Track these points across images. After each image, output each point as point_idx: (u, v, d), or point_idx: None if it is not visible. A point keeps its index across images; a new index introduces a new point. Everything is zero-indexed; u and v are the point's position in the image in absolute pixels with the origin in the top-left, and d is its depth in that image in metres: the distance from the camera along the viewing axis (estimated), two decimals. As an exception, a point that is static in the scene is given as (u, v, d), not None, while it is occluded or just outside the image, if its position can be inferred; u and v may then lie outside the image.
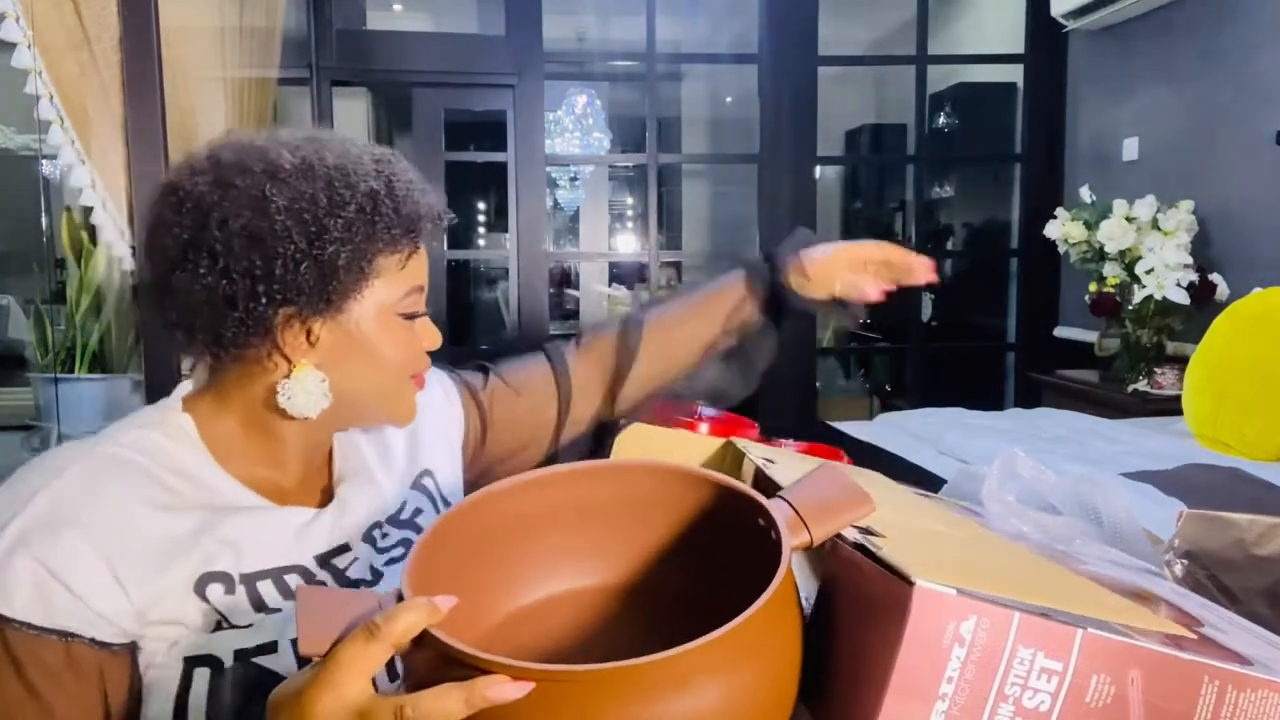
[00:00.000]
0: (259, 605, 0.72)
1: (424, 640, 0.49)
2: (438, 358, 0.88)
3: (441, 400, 0.97)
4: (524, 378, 1.03)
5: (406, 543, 0.85)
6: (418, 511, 0.88)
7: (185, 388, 0.81)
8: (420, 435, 0.92)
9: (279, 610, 0.73)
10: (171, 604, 0.69)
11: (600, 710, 0.43)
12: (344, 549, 0.79)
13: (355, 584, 0.79)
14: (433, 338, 0.83)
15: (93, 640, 0.66)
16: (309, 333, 0.74)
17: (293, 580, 0.75)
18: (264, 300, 0.71)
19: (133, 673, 0.69)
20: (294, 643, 0.71)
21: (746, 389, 1.10)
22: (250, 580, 0.73)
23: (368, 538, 0.82)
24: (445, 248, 3.81)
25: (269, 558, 0.74)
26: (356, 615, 0.50)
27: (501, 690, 0.44)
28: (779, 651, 0.47)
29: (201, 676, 0.69)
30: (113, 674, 0.68)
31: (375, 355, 0.77)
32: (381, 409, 0.82)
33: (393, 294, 0.77)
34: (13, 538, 0.65)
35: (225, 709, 0.69)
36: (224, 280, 0.70)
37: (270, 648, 0.71)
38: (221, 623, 0.71)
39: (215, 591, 0.71)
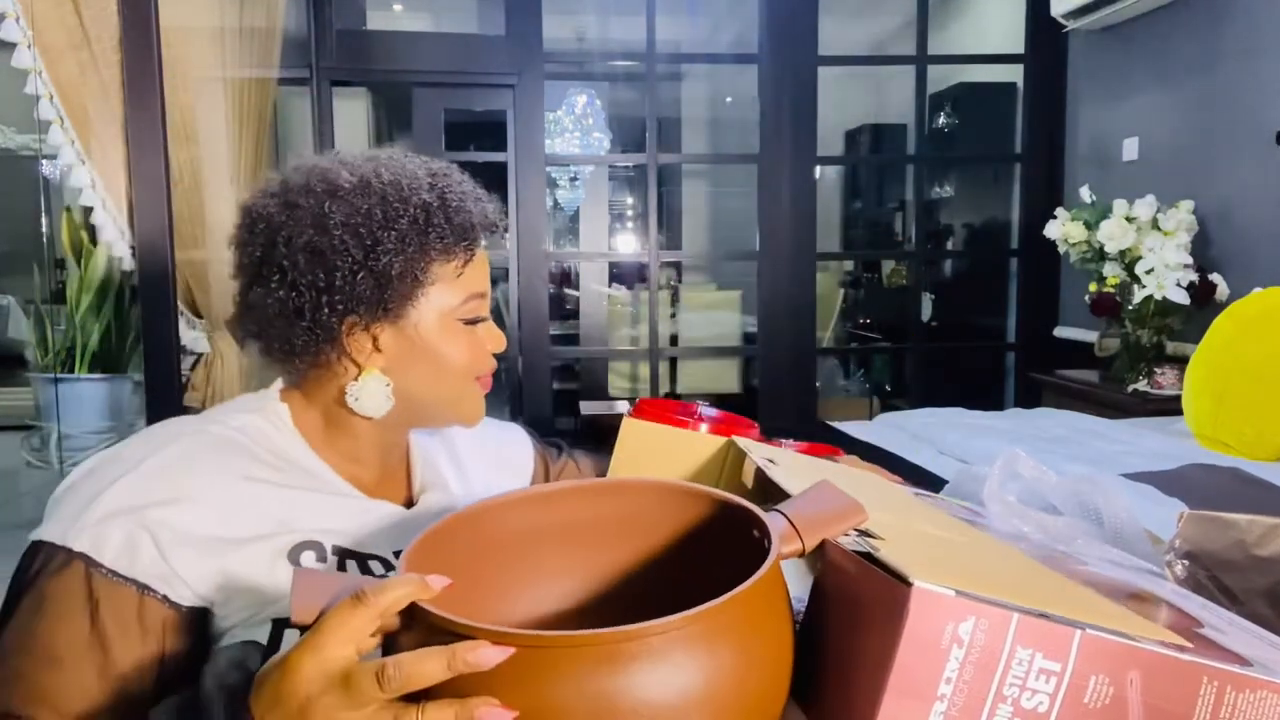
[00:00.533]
0: None
1: (413, 616, 0.49)
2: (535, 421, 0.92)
3: (521, 460, 1.06)
4: (592, 466, 1.12)
5: None
6: None
7: (279, 382, 0.87)
8: (496, 479, 1.00)
9: None
10: (262, 569, 0.73)
11: (578, 678, 0.44)
12: None
13: None
14: (497, 341, 0.88)
15: (165, 598, 0.70)
16: (374, 339, 0.80)
17: (375, 567, 0.79)
18: (327, 310, 0.77)
19: (194, 640, 0.73)
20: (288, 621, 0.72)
21: None
22: (340, 555, 0.77)
23: None
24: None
25: (357, 540, 0.79)
26: (346, 587, 0.50)
27: (482, 654, 0.44)
28: (762, 642, 0.47)
29: (291, 637, 0.71)
30: (175, 636, 0.72)
31: (438, 358, 0.82)
32: (448, 410, 0.86)
33: (452, 300, 0.82)
34: (117, 495, 0.71)
35: None
36: (293, 293, 0.77)
37: None
38: None
39: (308, 558, 0.76)
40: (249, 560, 0.73)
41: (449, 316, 0.82)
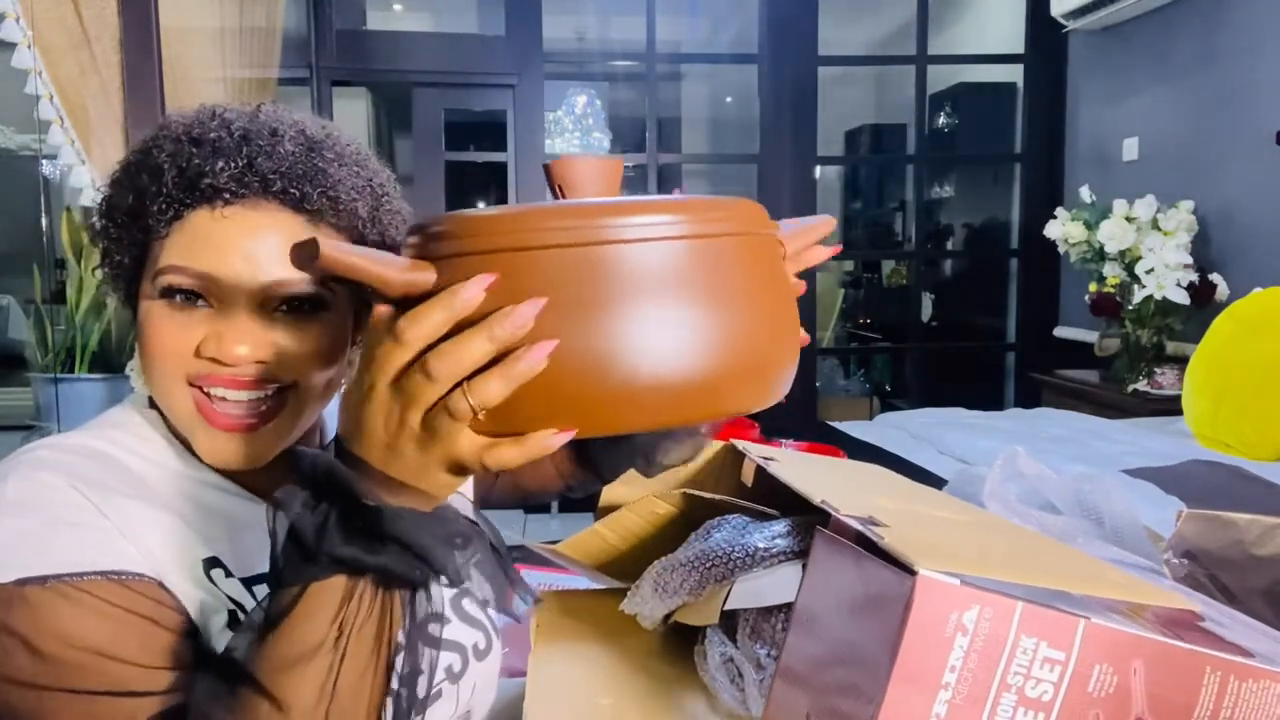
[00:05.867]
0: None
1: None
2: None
3: None
4: None
5: None
6: None
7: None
8: None
9: None
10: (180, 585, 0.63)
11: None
12: None
13: None
14: (222, 345, 0.64)
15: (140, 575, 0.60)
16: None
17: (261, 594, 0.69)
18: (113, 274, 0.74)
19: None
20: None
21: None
22: (248, 583, 0.68)
23: None
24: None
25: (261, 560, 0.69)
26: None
27: (520, 315, 0.43)
28: (752, 283, 0.49)
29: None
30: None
31: (141, 342, 0.68)
32: (175, 421, 0.68)
33: (150, 266, 0.67)
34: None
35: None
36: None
37: None
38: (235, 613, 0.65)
39: (218, 575, 0.66)
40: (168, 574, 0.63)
41: (149, 286, 0.67)
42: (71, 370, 2.78)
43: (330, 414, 0.79)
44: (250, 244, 0.64)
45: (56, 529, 0.59)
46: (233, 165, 0.64)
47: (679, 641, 0.88)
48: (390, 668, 0.53)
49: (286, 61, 3.10)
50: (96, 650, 0.56)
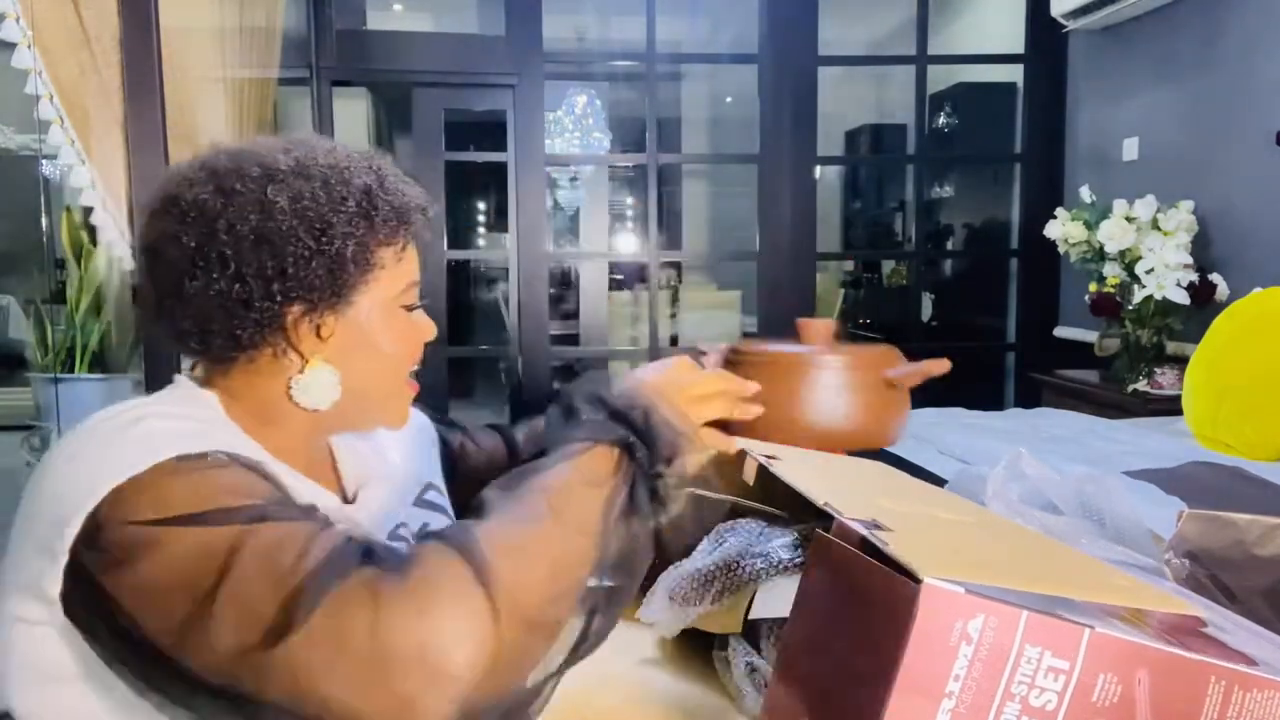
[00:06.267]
0: None
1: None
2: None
3: (426, 436, 1.02)
4: (488, 444, 1.10)
5: None
6: (425, 525, 0.90)
7: (184, 377, 0.81)
8: (417, 453, 0.97)
9: None
10: None
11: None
12: None
13: None
14: (429, 329, 0.86)
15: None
16: (319, 327, 0.77)
17: None
18: (278, 298, 0.74)
19: None
20: None
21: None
22: None
23: (393, 537, 0.85)
24: (446, 247, 3.81)
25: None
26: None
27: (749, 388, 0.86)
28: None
29: None
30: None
31: (381, 346, 0.80)
32: (381, 407, 0.84)
33: (394, 286, 0.80)
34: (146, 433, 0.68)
35: None
36: (237, 284, 0.73)
37: None
38: None
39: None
40: None
41: (392, 303, 0.81)
42: (71, 370, 2.78)
43: None
44: (416, 254, 0.85)
45: (208, 427, 0.72)
46: (420, 190, 0.84)
47: (682, 641, 0.88)
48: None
49: (286, 61, 3.10)
50: (256, 494, 0.65)
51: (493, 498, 0.66)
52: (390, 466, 0.92)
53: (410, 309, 0.83)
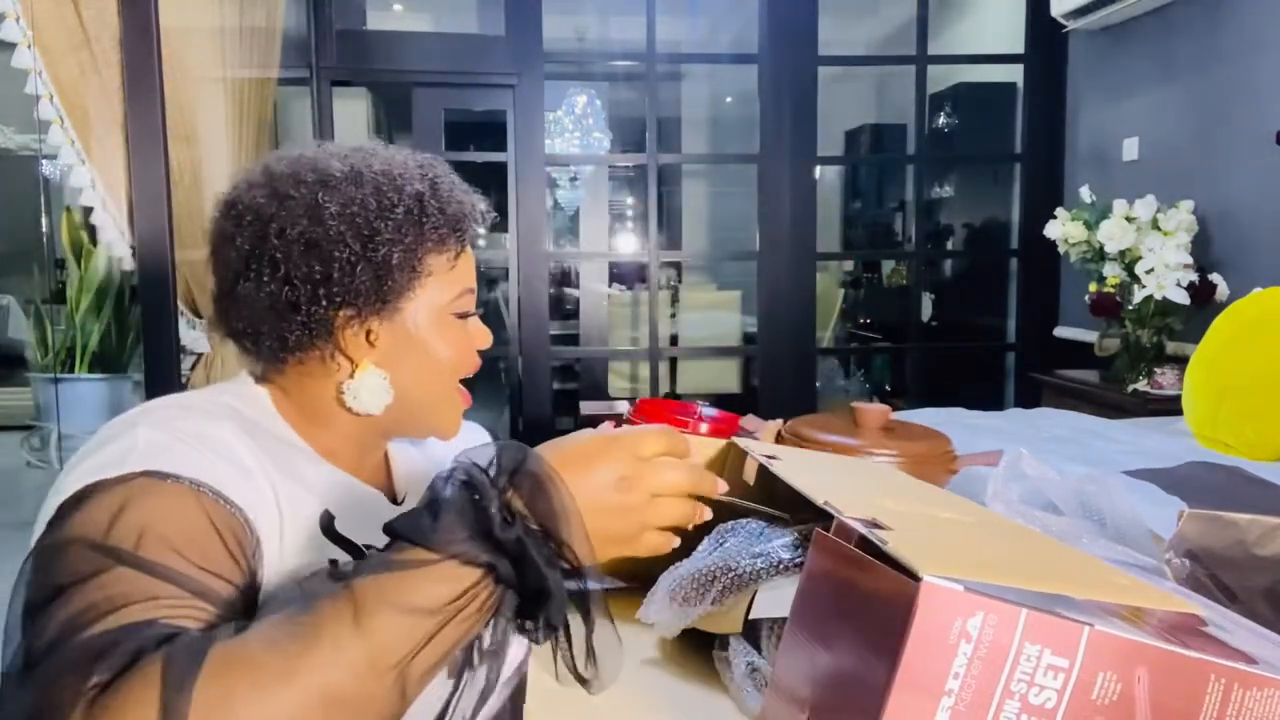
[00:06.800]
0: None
1: None
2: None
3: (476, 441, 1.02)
4: None
5: None
6: None
7: (245, 375, 0.83)
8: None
9: None
10: (304, 534, 0.72)
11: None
12: None
13: None
14: (485, 337, 0.86)
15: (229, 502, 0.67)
16: (369, 333, 0.78)
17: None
18: (324, 303, 0.75)
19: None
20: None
21: None
22: (340, 542, 0.75)
23: None
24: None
25: (358, 529, 0.77)
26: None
27: (719, 485, 0.65)
28: None
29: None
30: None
31: (431, 353, 0.80)
32: (432, 414, 0.84)
33: (446, 293, 0.81)
34: (153, 429, 0.67)
35: None
36: (286, 287, 0.74)
37: None
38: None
39: (342, 525, 0.75)
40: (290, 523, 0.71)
41: (443, 310, 0.81)
42: (71, 370, 2.78)
43: None
44: (473, 262, 0.85)
45: (195, 447, 0.68)
46: (478, 198, 0.85)
47: (682, 641, 0.88)
48: (448, 666, 0.61)
49: (286, 61, 3.10)
50: (182, 542, 0.61)
51: (284, 600, 0.56)
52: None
53: (464, 316, 0.83)
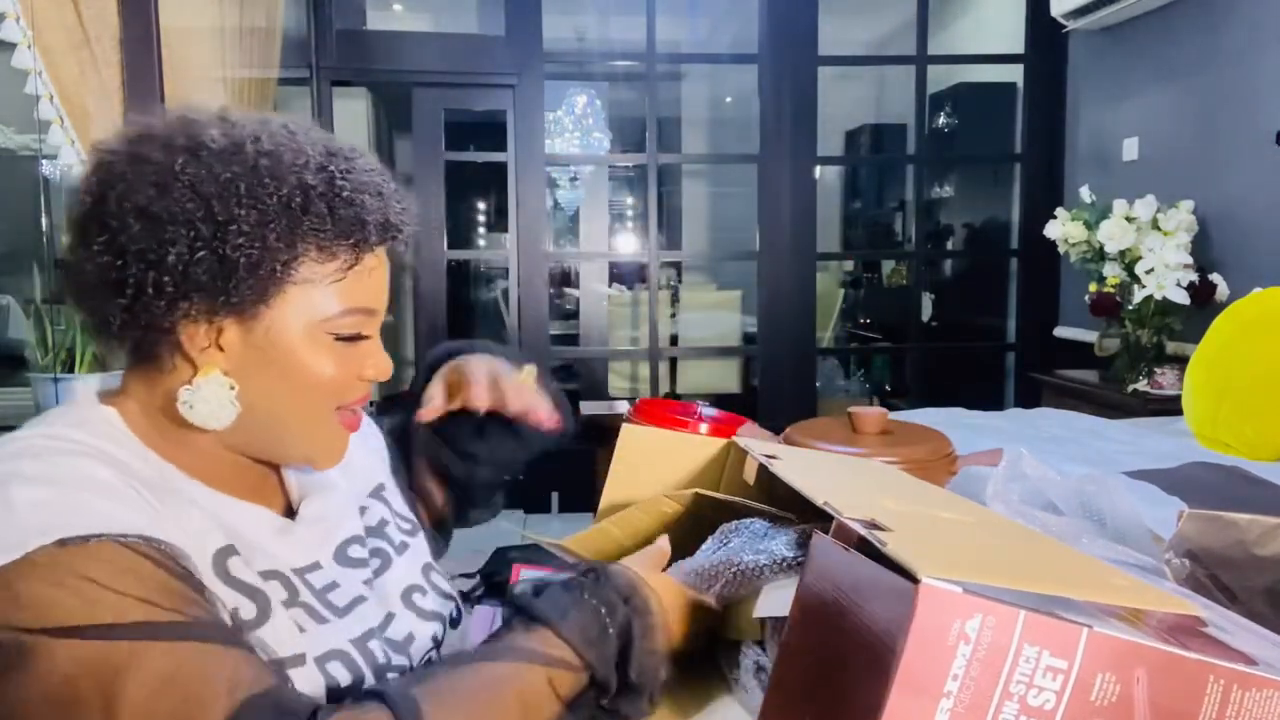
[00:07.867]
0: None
1: None
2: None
3: (375, 438, 0.94)
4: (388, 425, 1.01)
5: (380, 553, 0.82)
6: (383, 521, 0.85)
7: (92, 392, 0.73)
8: (366, 455, 0.90)
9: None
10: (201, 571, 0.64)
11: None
12: (315, 566, 0.74)
13: (336, 605, 0.74)
14: (379, 368, 0.73)
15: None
16: (218, 334, 0.67)
17: (273, 589, 0.68)
18: (152, 290, 0.63)
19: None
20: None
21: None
22: (265, 575, 0.68)
23: (341, 557, 0.77)
24: (446, 247, 3.81)
25: (264, 557, 0.69)
26: None
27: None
28: None
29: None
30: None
31: (294, 373, 0.69)
32: (299, 440, 0.72)
33: (323, 308, 0.68)
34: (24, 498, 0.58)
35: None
36: (117, 261, 0.64)
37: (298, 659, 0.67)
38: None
39: (235, 564, 0.66)
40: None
41: (318, 327, 0.68)
42: (71, 370, 2.77)
43: None
44: (384, 282, 0.73)
45: (88, 493, 0.60)
46: (396, 206, 0.71)
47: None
48: None
49: (286, 61, 3.10)
50: (147, 588, 0.57)
51: (445, 671, 0.62)
52: (349, 465, 0.82)
53: (350, 339, 0.70)
